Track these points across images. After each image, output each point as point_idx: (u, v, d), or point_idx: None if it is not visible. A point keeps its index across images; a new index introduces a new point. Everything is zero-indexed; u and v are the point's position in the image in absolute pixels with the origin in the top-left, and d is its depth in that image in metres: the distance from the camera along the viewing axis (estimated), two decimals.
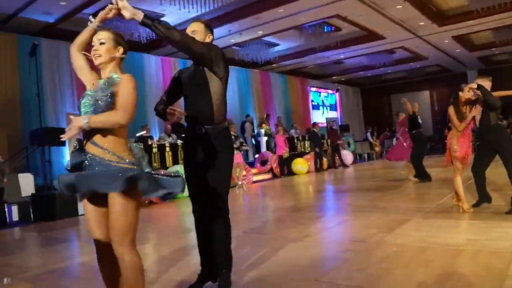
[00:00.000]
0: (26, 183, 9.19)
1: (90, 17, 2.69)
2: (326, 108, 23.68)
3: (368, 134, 22.43)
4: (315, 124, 16.56)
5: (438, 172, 10.55)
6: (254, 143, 16.28)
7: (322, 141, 16.32)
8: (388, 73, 23.57)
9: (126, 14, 2.65)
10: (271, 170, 14.32)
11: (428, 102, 24.73)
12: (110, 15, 2.70)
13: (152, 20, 2.73)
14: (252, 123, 16.45)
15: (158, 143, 11.20)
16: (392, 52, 18.60)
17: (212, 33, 3.24)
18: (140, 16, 2.68)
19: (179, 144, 11.38)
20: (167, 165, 10.91)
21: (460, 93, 5.55)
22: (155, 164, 10.78)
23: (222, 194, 3.04)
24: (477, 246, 3.80)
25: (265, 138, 15.67)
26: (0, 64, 10.80)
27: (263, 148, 15.48)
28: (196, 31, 3.13)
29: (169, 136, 12.27)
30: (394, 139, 19.91)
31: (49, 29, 11.84)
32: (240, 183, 11.47)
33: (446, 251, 3.73)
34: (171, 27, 2.80)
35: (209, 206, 3.04)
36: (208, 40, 3.16)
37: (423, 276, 3.13)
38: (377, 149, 21.81)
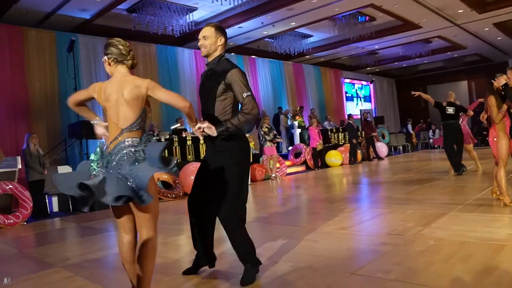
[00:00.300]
0: None
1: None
2: (360, 100, 23.39)
3: (409, 126, 22.03)
4: (350, 115, 16.36)
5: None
6: (287, 135, 16.23)
7: (358, 133, 16.12)
8: (424, 64, 23.06)
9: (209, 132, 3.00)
10: (304, 162, 14.27)
11: (466, 93, 24.08)
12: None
13: (224, 126, 3.04)
14: (286, 116, 16.40)
15: (192, 135, 11.29)
16: (429, 42, 18.17)
17: (223, 35, 3.25)
18: (214, 132, 3.00)
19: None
20: (201, 158, 10.98)
21: (494, 81, 5.36)
22: (189, 157, 10.88)
23: (232, 200, 3.13)
24: None
25: (298, 130, 15.60)
26: (40, 60, 11.11)
27: (297, 140, 15.41)
28: (207, 36, 3.20)
29: None
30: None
31: (86, 25, 12.08)
32: (273, 175, 11.47)
33: (487, 246, 3.62)
34: (238, 121, 3.05)
35: (218, 210, 3.17)
36: (219, 43, 3.22)
37: (463, 272, 3.05)
38: (415, 141, 21.44)
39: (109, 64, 2.83)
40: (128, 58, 2.82)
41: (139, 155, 2.60)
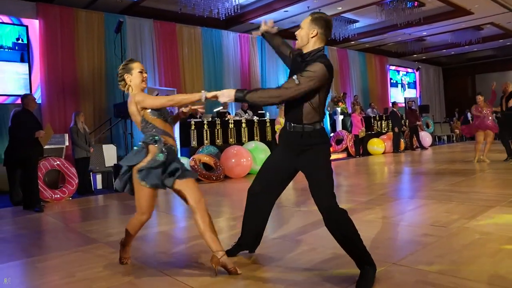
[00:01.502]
0: (110, 154, 9.67)
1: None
2: (405, 88, 22.85)
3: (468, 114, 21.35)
4: (395, 103, 16.02)
5: None
6: (330, 121, 16.08)
7: (401, 121, 15.77)
8: (473, 51, 22.23)
9: (222, 99, 2.99)
10: (346, 149, 14.11)
11: None
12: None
13: (242, 92, 2.93)
14: (330, 101, 16.18)
15: (234, 119, 11.33)
16: (480, 29, 17.47)
17: (320, 26, 2.98)
18: (232, 94, 2.95)
19: (255, 120, 11.45)
20: (243, 141, 11.04)
21: None
22: (231, 140, 10.94)
23: (319, 191, 2.95)
24: None
25: (341, 117, 15.41)
26: (89, 41, 11.35)
27: (339, 127, 15.23)
28: (301, 26, 3.05)
29: (245, 112, 12.37)
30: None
31: (133, 7, 12.23)
32: None
33: None
34: (253, 93, 2.93)
35: (317, 206, 3.00)
36: (312, 34, 2.98)
37: (511, 268, 2.95)
38: (457, 131, 20.78)
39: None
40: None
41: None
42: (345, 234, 2.89)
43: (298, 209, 5.57)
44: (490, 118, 9.91)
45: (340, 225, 2.90)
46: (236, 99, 2.93)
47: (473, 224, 4.21)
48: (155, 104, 3.16)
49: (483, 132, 9.99)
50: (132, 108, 3.23)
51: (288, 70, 3.22)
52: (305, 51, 3.06)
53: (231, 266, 3.06)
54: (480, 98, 10.08)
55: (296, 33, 3.10)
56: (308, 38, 3.01)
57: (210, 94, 3.03)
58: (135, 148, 3.26)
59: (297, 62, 3.13)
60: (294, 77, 2.87)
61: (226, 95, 2.95)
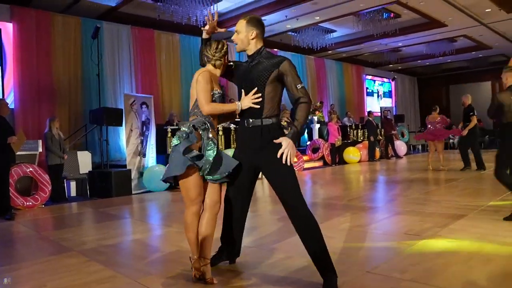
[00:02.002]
0: (84, 161, 9.56)
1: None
2: (381, 97, 23.17)
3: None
4: (370, 112, 16.22)
5: None
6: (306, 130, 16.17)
7: (377, 130, 15.98)
8: (447, 63, 22.71)
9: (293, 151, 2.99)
10: (322, 158, 14.21)
11: (489, 94, 23.64)
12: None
13: (295, 128, 3.02)
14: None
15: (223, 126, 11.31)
16: (453, 41, 17.87)
17: (256, 26, 3.11)
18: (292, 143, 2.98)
19: (231, 128, 11.45)
20: (220, 149, 10.99)
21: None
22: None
23: (285, 190, 2.98)
24: None
25: (317, 126, 15.52)
26: (65, 46, 11.22)
27: (315, 135, 15.34)
28: (238, 31, 3.14)
29: None
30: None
31: (111, 12, 12.16)
32: None
33: (507, 250, 3.56)
34: (300, 120, 2.99)
35: (284, 206, 3.02)
36: (252, 36, 3.09)
37: (482, 275, 3.00)
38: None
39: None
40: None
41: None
42: (312, 235, 2.92)
43: (274, 217, 5.58)
44: (437, 127, 10.66)
45: (308, 226, 2.92)
46: (296, 139, 3.04)
47: (445, 232, 4.27)
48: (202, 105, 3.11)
49: (432, 142, 10.84)
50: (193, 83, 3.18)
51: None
52: (249, 53, 3.16)
53: (208, 277, 3.05)
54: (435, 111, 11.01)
55: (233, 38, 3.17)
56: (248, 40, 3.11)
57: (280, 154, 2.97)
58: (179, 133, 3.04)
59: (242, 66, 3.24)
60: (298, 86, 3.01)
61: (287, 145, 2.94)
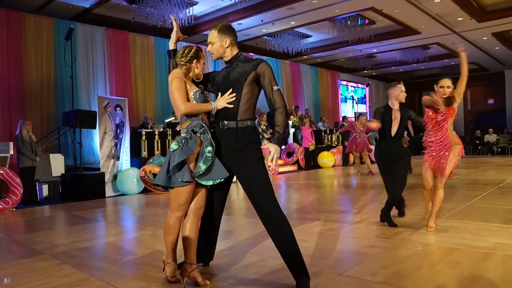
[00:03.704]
0: (57, 163, 9.42)
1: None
2: (356, 102, 23.44)
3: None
4: (345, 117, 16.39)
5: (468, 173, 10.39)
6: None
7: None
8: (420, 70, 23.13)
9: (276, 154, 3.01)
10: (297, 162, 14.30)
11: (461, 101, 24.15)
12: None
13: (277, 133, 3.04)
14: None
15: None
16: (427, 48, 18.24)
17: (228, 34, 3.14)
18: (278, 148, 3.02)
19: None
20: None
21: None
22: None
23: (258, 194, 3.00)
24: (507, 251, 3.70)
25: (292, 130, 15.62)
26: (37, 47, 11.04)
27: (290, 140, 15.43)
28: (212, 42, 3.17)
29: None
30: None
31: (85, 14, 12.03)
32: None
33: (474, 254, 3.66)
34: (280, 125, 3.03)
35: (256, 210, 3.04)
36: (226, 44, 3.13)
37: (450, 278, 3.08)
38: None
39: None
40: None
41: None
42: (285, 238, 2.94)
43: (248, 220, 5.61)
44: (361, 136, 11.53)
45: (281, 229, 2.95)
46: (281, 144, 3.06)
47: (416, 236, 4.37)
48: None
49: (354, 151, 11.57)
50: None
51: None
52: (226, 60, 3.20)
53: (200, 280, 3.06)
54: (361, 118, 11.79)
55: (208, 50, 3.21)
56: (224, 49, 3.15)
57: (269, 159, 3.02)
58: (178, 139, 3.03)
59: (220, 74, 3.26)
60: (274, 88, 3.04)
61: (275, 151, 2.98)
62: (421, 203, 6.45)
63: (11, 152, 8.41)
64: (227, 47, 3.14)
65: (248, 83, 3.07)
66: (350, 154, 15.49)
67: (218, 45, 3.14)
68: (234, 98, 3.06)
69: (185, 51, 3.18)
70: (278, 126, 3.02)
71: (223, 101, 3.07)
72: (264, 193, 2.99)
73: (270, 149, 2.98)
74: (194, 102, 3.09)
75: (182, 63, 3.16)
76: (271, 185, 3.05)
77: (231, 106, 3.06)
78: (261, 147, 3.11)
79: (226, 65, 3.24)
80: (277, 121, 3.02)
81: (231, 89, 3.08)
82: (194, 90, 3.13)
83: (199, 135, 3.01)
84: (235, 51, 3.18)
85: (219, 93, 3.19)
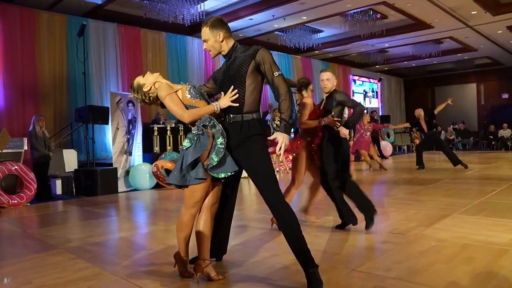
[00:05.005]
0: (70, 159, 9.49)
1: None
2: (367, 98, 23.31)
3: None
4: None
5: (481, 169, 10.29)
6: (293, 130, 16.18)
7: None
8: (433, 64, 22.90)
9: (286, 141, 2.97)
10: None
11: (475, 96, 23.92)
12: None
13: (284, 121, 2.99)
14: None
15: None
16: (439, 42, 18.05)
17: (220, 27, 3.08)
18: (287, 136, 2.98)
19: None
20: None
21: None
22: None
23: (264, 187, 2.98)
24: None
25: None
26: (50, 43, 11.12)
27: None
28: (206, 39, 3.12)
29: None
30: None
31: (97, 10, 12.08)
32: (277, 169, 11.47)
33: (490, 250, 3.62)
34: (285, 112, 2.97)
35: (266, 203, 3.01)
36: (220, 38, 3.08)
37: (464, 274, 3.05)
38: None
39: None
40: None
41: None
42: (294, 231, 2.92)
43: (260, 215, 5.61)
44: (367, 134, 11.37)
45: (289, 223, 2.92)
46: (289, 131, 3.01)
47: (430, 231, 4.33)
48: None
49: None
50: None
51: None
52: (224, 53, 3.16)
53: (214, 275, 3.07)
54: (366, 116, 11.70)
55: (204, 48, 3.19)
56: (219, 43, 3.10)
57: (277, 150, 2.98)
58: (190, 136, 3.01)
59: (221, 69, 3.23)
60: (275, 73, 2.97)
61: (283, 139, 2.94)
62: (435, 198, 6.41)
63: (25, 147, 8.52)
64: (222, 41, 3.09)
65: (250, 74, 3.02)
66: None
67: (212, 41, 3.09)
68: (238, 95, 3.03)
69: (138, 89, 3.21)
70: (283, 113, 2.97)
71: (227, 100, 3.03)
72: (269, 186, 2.97)
73: (278, 138, 2.94)
74: (193, 99, 3.06)
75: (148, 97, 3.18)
76: (276, 179, 3.02)
77: (236, 104, 3.03)
78: (268, 138, 3.08)
79: (225, 59, 3.20)
80: (282, 109, 2.97)
81: (232, 86, 3.05)
82: (187, 89, 3.10)
83: (209, 129, 3.00)
84: (230, 42, 3.14)
85: (222, 92, 3.17)
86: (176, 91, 3.06)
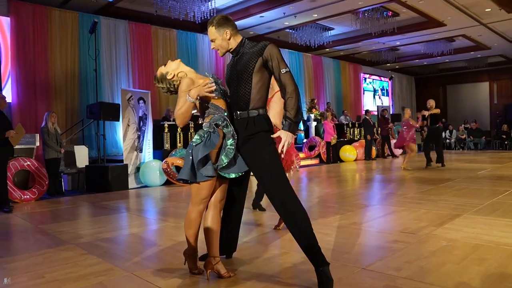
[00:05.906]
0: (81, 155, 9.55)
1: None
2: (378, 96, 23.21)
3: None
4: (368, 111, 16.26)
5: (493, 169, 10.20)
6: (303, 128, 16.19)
7: (374, 129, 16.00)
8: (445, 62, 22.73)
9: (290, 139, 2.93)
10: (318, 155, 14.24)
11: (487, 94, 23.68)
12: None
13: (289, 119, 2.92)
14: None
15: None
16: (452, 41, 17.92)
17: (226, 25, 3.04)
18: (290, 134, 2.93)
19: None
20: None
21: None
22: None
23: (269, 183, 2.95)
24: None
25: (314, 123, 15.54)
26: (62, 40, 11.20)
27: (312, 133, 15.37)
28: (213, 39, 3.09)
29: None
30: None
31: (108, 7, 12.14)
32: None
33: (502, 251, 3.58)
34: (291, 110, 2.90)
35: (270, 201, 2.99)
36: (227, 36, 3.04)
37: (476, 275, 3.03)
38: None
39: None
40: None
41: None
42: (302, 229, 2.88)
43: (269, 212, 5.60)
44: (413, 131, 11.59)
45: (297, 219, 2.88)
46: (294, 130, 2.94)
47: (441, 231, 4.30)
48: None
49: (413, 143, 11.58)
50: None
51: None
52: (232, 50, 3.12)
53: (224, 272, 3.08)
54: (407, 112, 11.96)
55: (212, 47, 3.16)
56: (226, 42, 3.07)
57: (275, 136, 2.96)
58: (201, 132, 2.99)
59: (229, 66, 3.18)
60: (282, 70, 2.91)
61: (286, 138, 2.90)
62: (446, 198, 6.37)
63: (37, 143, 8.60)
64: (229, 38, 3.05)
65: (257, 71, 2.97)
66: (373, 148, 15.43)
67: (220, 40, 3.05)
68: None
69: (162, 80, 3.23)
70: (289, 111, 2.90)
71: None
72: (274, 183, 2.93)
73: (281, 136, 2.90)
74: (215, 97, 3.06)
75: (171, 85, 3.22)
76: (284, 175, 2.97)
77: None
78: (272, 136, 3.03)
79: (233, 55, 3.16)
80: (288, 107, 2.91)
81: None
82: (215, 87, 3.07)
83: (221, 128, 2.99)
84: (238, 39, 3.09)
85: (223, 88, 3.16)
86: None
